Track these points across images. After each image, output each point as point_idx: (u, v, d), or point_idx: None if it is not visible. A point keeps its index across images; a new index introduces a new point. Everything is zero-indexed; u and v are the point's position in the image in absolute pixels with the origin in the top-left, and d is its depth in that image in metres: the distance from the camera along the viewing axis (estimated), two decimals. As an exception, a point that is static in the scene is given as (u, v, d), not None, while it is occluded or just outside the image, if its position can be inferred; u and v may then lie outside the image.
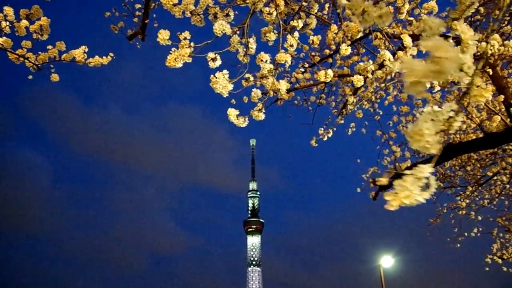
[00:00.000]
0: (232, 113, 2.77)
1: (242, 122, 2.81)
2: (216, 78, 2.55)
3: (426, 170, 1.40)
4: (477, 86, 1.48)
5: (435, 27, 1.52)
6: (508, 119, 5.09)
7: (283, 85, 2.88)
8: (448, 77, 1.32)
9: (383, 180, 1.58)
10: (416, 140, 1.42)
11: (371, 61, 4.40)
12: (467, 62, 1.46)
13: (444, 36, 3.86)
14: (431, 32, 1.52)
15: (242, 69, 2.86)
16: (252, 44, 2.80)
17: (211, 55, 2.64)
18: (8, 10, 3.72)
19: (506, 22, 5.57)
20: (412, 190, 1.40)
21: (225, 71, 2.60)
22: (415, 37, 4.51)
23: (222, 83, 2.54)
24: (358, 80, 3.49)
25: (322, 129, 6.54)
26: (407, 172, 1.43)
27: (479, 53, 3.28)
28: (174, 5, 2.86)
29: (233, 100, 5.06)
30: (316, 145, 6.50)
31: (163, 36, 2.68)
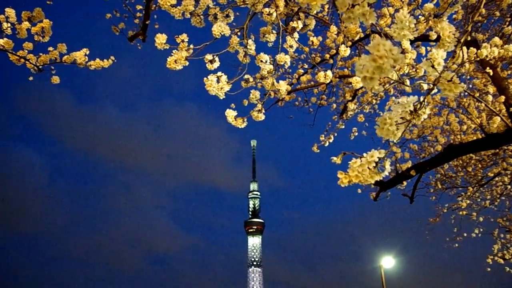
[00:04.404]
0: (230, 114, 2.74)
1: (241, 123, 2.77)
2: (209, 80, 2.51)
3: (376, 154, 1.51)
4: (449, 81, 1.53)
5: (405, 21, 1.58)
6: (509, 120, 5.08)
7: (283, 86, 2.88)
8: (388, 74, 1.39)
9: (336, 159, 1.70)
10: (380, 128, 1.53)
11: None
12: (438, 59, 1.53)
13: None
14: (401, 25, 1.59)
15: (241, 70, 2.85)
16: (251, 46, 2.78)
17: (208, 57, 2.59)
18: (10, 12, 3.73)
19: (507, 23, 5.56)
20: (361, 171, 1.50)
21: (219, 73, 2.56)
22: (415, 39, 4.51)
23: (215, 85, 2.50)
24: (357, 82, 3.49)
25: (323, 135, 6.55)
26: (364, 155, 1.53)
27: (478, 58, 3.28)
28: (173, 6, 2.82)
29: (232, 104, 5.06)
30: (318, 151, 6.52)
31: (160, 40, 2.64)
